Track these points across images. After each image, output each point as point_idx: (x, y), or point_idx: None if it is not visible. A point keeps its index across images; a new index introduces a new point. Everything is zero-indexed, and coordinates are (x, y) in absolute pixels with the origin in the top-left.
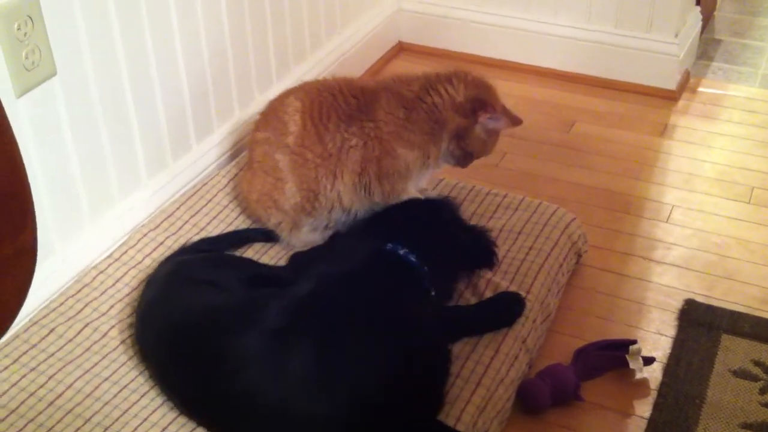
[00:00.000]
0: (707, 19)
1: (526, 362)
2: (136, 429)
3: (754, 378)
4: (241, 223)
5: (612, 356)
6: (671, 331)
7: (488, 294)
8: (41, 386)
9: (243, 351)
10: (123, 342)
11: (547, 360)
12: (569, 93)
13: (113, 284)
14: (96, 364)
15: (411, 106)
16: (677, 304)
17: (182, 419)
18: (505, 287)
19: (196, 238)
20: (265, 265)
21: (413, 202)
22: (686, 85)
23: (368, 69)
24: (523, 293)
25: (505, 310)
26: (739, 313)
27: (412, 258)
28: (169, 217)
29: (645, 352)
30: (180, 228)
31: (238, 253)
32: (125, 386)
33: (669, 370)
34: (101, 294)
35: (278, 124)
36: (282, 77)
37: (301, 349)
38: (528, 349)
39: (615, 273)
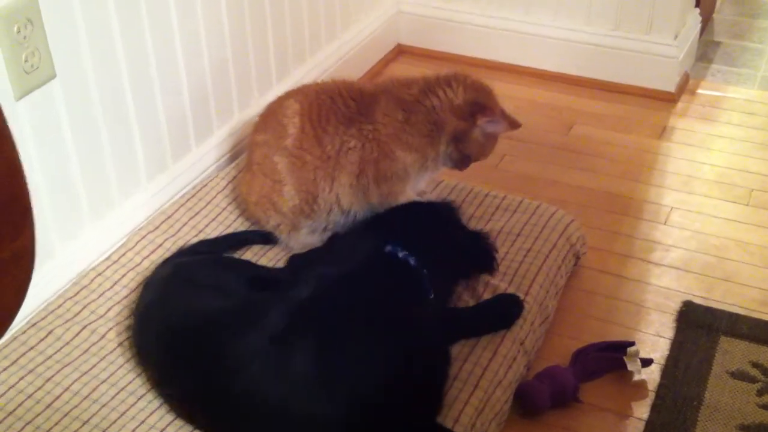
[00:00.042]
0: (706, 21)
1: (524, 364)
2: (133, 431)
3: (752, 380)
4: (239, 225)
5: (610, 358)
6: (669, 332)
7: (486, 296)
8: (39, 388)
9: (243, 352)
10: (121, 344)
11: (546, 362)
12: (568, 95)
13: (111, 286)
14: (94, 366)
15: (410, 109)
16: (676, 305)
17: (179, 422)
18: (503, 289)
19: (195, 240)
20: (263, 267)
21: (414, 205)
22: (685, 87)
23: (367, 71)
24: (521, 295)
25: (504, 312)
26: (738, 315)
27: (412, 260)
28: (167, 219)
29: (643, 354)
30: (179, 230)
31: (236, 255)
32: (123, 388)
33: (667, 371)
34: (99, 296)
35: (277, 127)
36: (282, 79)
37: (301, 349)
38: (526, 350)
39: (613, 275)
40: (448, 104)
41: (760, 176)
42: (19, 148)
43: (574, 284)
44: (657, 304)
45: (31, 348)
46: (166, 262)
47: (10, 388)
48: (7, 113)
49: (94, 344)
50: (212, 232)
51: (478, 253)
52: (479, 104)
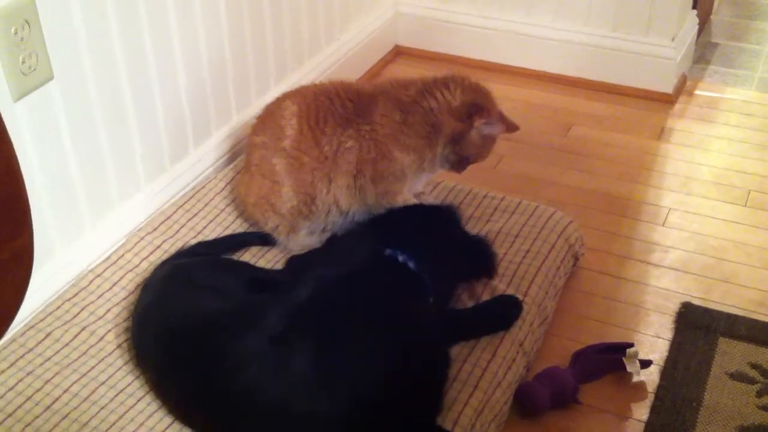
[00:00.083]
0: (704, 22)
1: (524, 365)
2: None
3: (751, 381)
4: (238, 226)
5: (609, 359)
6: (668, 334)
7: (485, 297)
8: (38, 390)
9: (242, 353)
10: (120, 346)
11: (545, 363)
12: (566, 96)
13: (110, 288)
14: (93, 368)
15: (407, 110)
16: (674, 307)
17: (178, 425)
18: (502, 290)
19: (194, 241)
20: (262, 269)
21: (415, 208)
22: (683, 88)
23: (366, 73)
24: (520, 296)
25: (503, 313)
26: (736, 316)
27: (411, 264)
28: (166, 220)
29: (642, 355)
30: (177, 231)
31: (235, 256)
32: (122, 390)
33: (666, 373)
34: (98, 298)
35: (275, 128)
36: (280, 81)
37: (300, 350)
38: (525, 352)
39: (612, 276)
40: (446, 106)
41: (758, 177)
42: (18, 150)
43: (572, 285)
44: (656, 305)
45: (30, 350)
46: (165, 263)
47: (10, 389)
48: (5, 115)
49: (92, 346)
50: (211, 233)
51: (479, 259)
52: (477, 106)
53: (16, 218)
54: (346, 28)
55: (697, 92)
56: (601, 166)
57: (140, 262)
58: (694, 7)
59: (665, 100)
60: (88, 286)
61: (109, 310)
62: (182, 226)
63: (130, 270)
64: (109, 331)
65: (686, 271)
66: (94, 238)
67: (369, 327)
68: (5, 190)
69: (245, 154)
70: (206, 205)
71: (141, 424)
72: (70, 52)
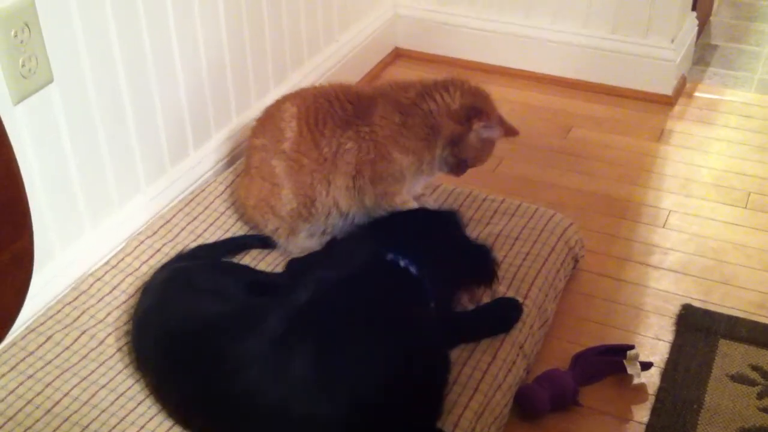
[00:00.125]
0: (703, 24)
1: (524, 368)
2: None
3: (752, 383)
4: (238, 229)
5: (610, 361)
6: (669, 336)
7: (486, 300)
8: (38, 394)
9: (242, 356)
10: (120, 349)
11: (545, 365)
12: (566, 98)
13: (110, 291)
14: (93, 371)
15: (407, 112)
16: (675, 309)
17: (178, 428)
18: (502, 293)
19: (193, 244)
20: (262, 272)
21: (417, 212)
22: (683, 90)
23: (365, 75)
24: (520, 299)
25: (503, 315)
26: (737, 318)
27: (413, 269)
28: (166, 223)
29: (643, 357)
30: (177, 235)
31: (235, 259)
32: (122, 394)
33: (667, 375)
34: (98, 301)
35: (275, 131)
36: (279, 83)
37: (300, 353)
38: (525, 354)
39: (612, 278)
40: (445, 108)
41: (757, 179)
42: (18, 153)
43: (572, 287)
44: (656, 307)
45: (31, 353)
46: (165, 266)
47: (10, 393)
48: (4, 118)
49: (93, 349)
50: (211, 236)
51: (480, 266)
52: (476, 109)
53: (16, 221)
54: (345, 31)
55: (696, 94)
56: (600, 168)
57: (140, 266)
58: (693, 9)
59: (665, 102)
60: (88, 289)
61: (109, 314)
62: (182, 230)
63: (130, 273)
64: (110, 334)
65: (686, 273)
66: (94, 240)
67: (369, 330)
68: (5, 193)
69: (245, 156)
70: (206, 208)
71: (141, 427)
72: (70, 55)
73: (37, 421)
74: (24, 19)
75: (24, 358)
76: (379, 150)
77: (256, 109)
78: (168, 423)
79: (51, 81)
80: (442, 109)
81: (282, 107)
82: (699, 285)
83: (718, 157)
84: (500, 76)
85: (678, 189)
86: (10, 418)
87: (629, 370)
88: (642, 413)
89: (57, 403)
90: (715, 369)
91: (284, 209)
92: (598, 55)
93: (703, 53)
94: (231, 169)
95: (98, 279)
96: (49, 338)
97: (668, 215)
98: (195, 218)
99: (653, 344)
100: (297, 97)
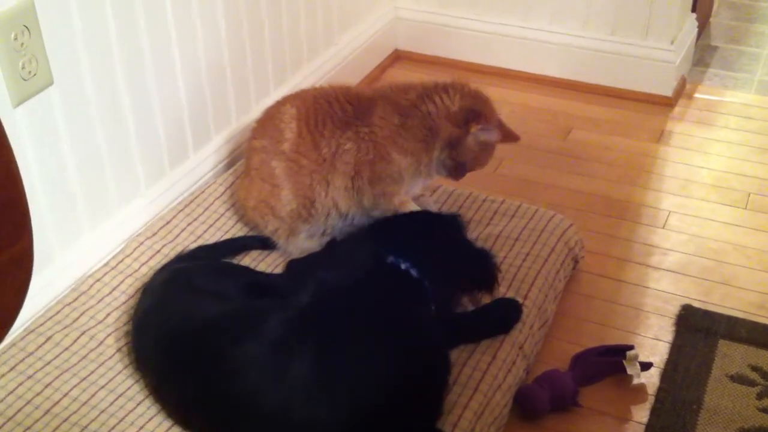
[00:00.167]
0: (703, 25)
1: (524, 368)
2: None
3: (752, 383)
4: (238, 230)
5: (610, 362)
6: (668, 336)
7: (485, 300)
8: (38, 394)
9: (242, 357)
10: (119, 350)
11: (545, 366)
12: (566, 100)
13: (110, 292)
14: (92, 372)
15: (406, 114)
16: (674, 309)
17: (177, 429)
18: (502, 293)
19: (193, 245)
20: (262, 273)
21: (418, 215)
22: (682, 91)
23: (365, 77)
24: (520, 299)
25: (503, 316)
26: (736, 319)
27: (414, 272)
28: (166, 225)
29: (642, 358)
30: (177, 236)
31: (235, 260)
32: (121, 394)
33: (666, 375)
34: (98, 302)
35: (274, 132)
36: (279, 85)
37: (300, 354)
38: (525, 355)
39: (612, 279)
40: (444, 111)
41: (757, 180)
42: (17, 155)
43: (572, 288)
44: (656, 307)
45: (30, 354)
46: (165, 267)
47: (9, 393)
48: (4, 120)
49: (92, 350)
50: (211, 237)
51: (481, 272)
52: (474, 112)
53: (16, 222)
54: (344, 33)
55: (696, 95)
56: (600, 169)
57: (140, 267)
58: (693, 10)
59: (664, 103)
60: (88, 290)
61: (108, 315)
62: (182, 231)
63: (130, 275)
64: (109, 335)
65: (686, 273)
66: (94, 242)
67: (369, 331)
68: (5, 195)
69: (245, 158)
70: (206, 209)
71: (141, 428)
72: (70, 58)
73: (37, 421)
74: (24, 21)
75: (23, 359)
76: (378, 151)
77: (256, 110)
78: (167, 423)
79: (51, 83)
80: (441, 111)
81: (282, 108)
82: (699, 286)
83: (717, 158)
84: (500, 77)
85: (678, 190)
86: (10, 419)
87: (629, 371)
88: (642, 414)
89: (56, 403)
90: (715, 369)
91: (284, 210)
92: (598, 56)
93: (702, 54)
94: (231, 170)
95: (98, 280)
96: (48, 339)
97: (668, 216)
98: (195, 219)
99: (653, 345)
100: (297, 98)
